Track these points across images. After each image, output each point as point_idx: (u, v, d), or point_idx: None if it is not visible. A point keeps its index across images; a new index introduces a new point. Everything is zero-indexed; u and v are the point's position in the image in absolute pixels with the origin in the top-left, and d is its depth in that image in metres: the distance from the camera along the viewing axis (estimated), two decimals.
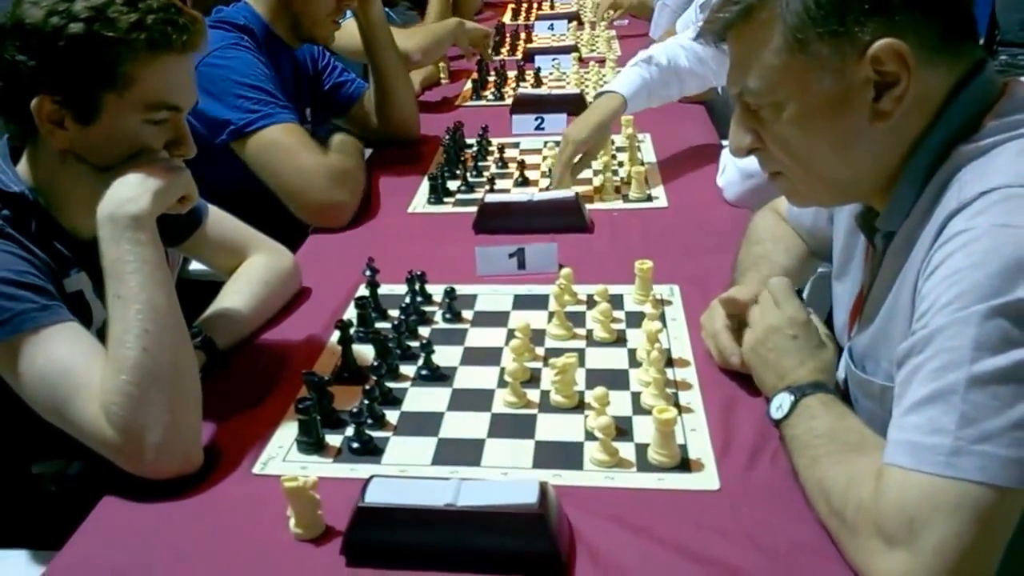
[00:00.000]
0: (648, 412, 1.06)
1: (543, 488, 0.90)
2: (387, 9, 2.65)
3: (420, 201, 1.88)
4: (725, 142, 1.98)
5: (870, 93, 0.87)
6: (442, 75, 2.91)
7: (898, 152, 0.92)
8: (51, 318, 1.03)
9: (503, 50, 3.23)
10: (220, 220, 1.43)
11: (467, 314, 1.39)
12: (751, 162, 1.67)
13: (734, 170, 1.76)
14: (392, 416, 1.13)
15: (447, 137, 2.08)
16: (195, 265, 1.70)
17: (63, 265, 1.15)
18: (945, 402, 0.77)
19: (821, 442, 0.91)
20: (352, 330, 1.26)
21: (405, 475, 1.02)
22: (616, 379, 1.18)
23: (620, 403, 1.13)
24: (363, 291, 1.41)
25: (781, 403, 0.99)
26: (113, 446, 0.99)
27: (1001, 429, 0.75)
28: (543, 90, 2.57)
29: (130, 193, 1.04)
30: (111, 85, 1.05)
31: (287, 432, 1.11)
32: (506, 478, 1.01)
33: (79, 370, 1.01)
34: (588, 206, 1.74)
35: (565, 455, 1.05)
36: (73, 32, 1.02)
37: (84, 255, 1.17)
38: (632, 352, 1.25)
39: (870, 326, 1.00)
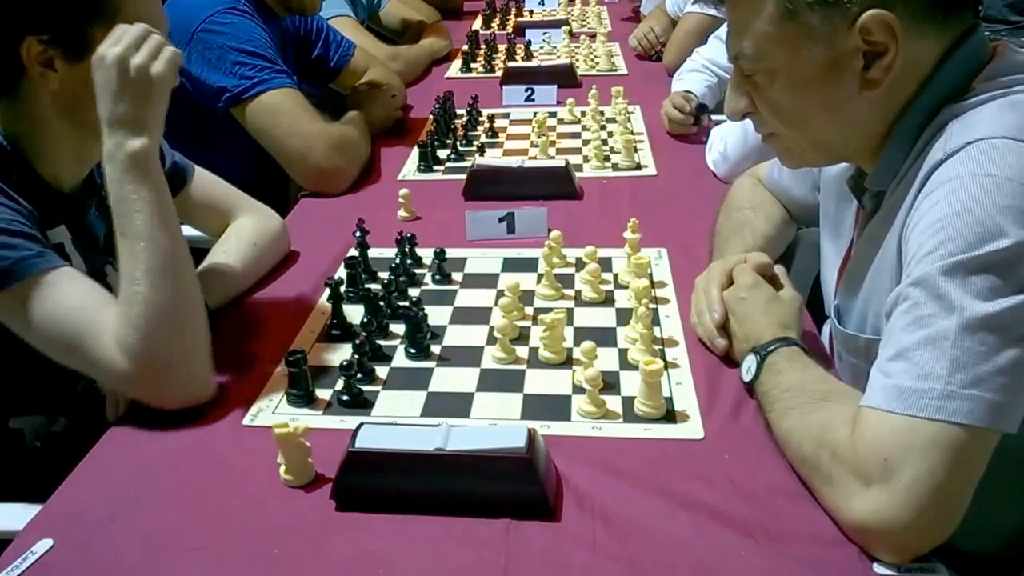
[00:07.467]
0: (635, 367, 1.07)
1: (531, 434, 0.91)
2: None
3: (410, 169, 1.88)
4: (715, 116, 1.99)
5: (859, 62, 0.89)
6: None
7: (887, 117, 0.94)
8: (49, 264, 1.04)
9: (494, 24, 3.23)
10: (206, 181, 1.42)
11: (457, 276, 1.40)
12: (738, 145, 1.70)
13: (721, 145, 1.77)
14: (382, 371, 1.14)
15: (437, 107, 2.07)
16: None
17: (44, 216, 1.14)
18: (936, 348, 0.78)
19: (790, 395, 0.93)
20: (342, 289, 1.27)
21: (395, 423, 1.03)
22: (604, 336, 1.19)
23: (608, 359, 1.14)
24: (353, 253, 1.41)
25: (749, 365, 1.02)
26: (130, 377, 1.02)
27: (988, 374, 0.76)
28: (533, 63, 2.58)
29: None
30: (98, 16, 1.06)
31: (277, 386, 1.12)
32: (495, 426, 1.02)
33: (88, 308, 1.03)
34: (578, 174, 1.75)
35: (553, 407, 1.06)
36: None
37: (63, 207, 1.17)
38: (620, 311, 1.26)
39: (857, 283, 1.02)
